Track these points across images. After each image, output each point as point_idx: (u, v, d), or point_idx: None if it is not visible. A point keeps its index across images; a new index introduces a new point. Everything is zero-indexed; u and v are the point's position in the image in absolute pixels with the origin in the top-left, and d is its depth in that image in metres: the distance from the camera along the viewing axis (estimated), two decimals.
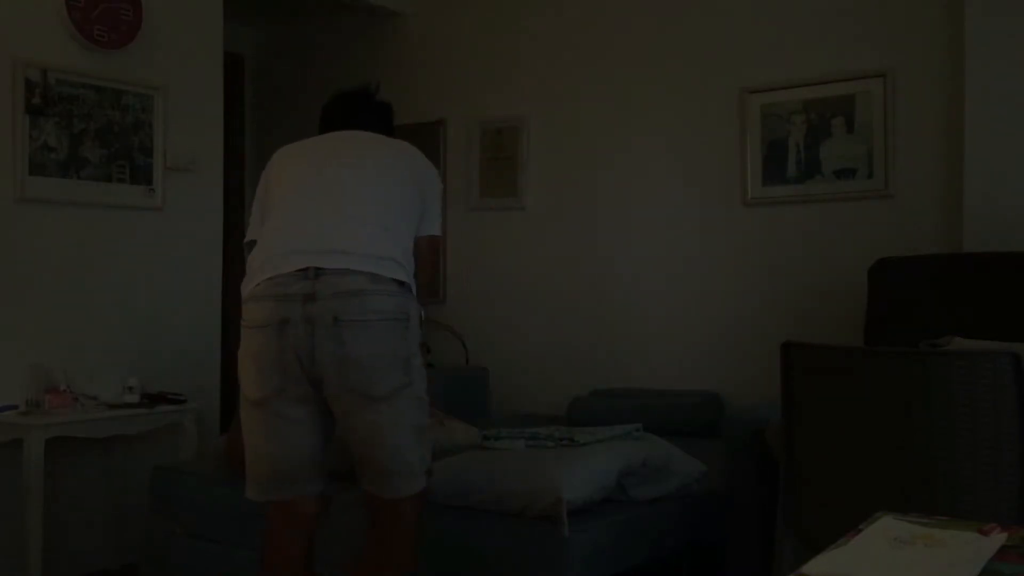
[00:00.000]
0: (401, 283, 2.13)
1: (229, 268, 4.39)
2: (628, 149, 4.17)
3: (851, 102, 3.61)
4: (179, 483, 3.18)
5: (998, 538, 1.14)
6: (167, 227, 3.95)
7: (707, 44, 3.98)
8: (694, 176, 4.00)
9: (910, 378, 1.97)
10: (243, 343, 2.17)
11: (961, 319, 2.96)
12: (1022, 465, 1.88)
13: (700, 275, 3.98)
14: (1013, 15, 3.19)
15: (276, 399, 2.12)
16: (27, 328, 3.48)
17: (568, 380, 4.19)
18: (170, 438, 3.73)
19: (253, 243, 2.29)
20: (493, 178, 4.57)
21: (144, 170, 3.85)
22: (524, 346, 4.40)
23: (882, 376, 2.01)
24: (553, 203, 4.38)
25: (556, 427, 3.01)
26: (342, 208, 2.20)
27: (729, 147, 3.90)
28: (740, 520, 2.80)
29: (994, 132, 3.24)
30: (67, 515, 3.61)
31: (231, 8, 4.31)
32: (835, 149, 3.66)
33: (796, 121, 3.74)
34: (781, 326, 3.60)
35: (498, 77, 4.55)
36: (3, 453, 3.34)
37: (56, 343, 3.55)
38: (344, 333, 2.03)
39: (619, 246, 4.20)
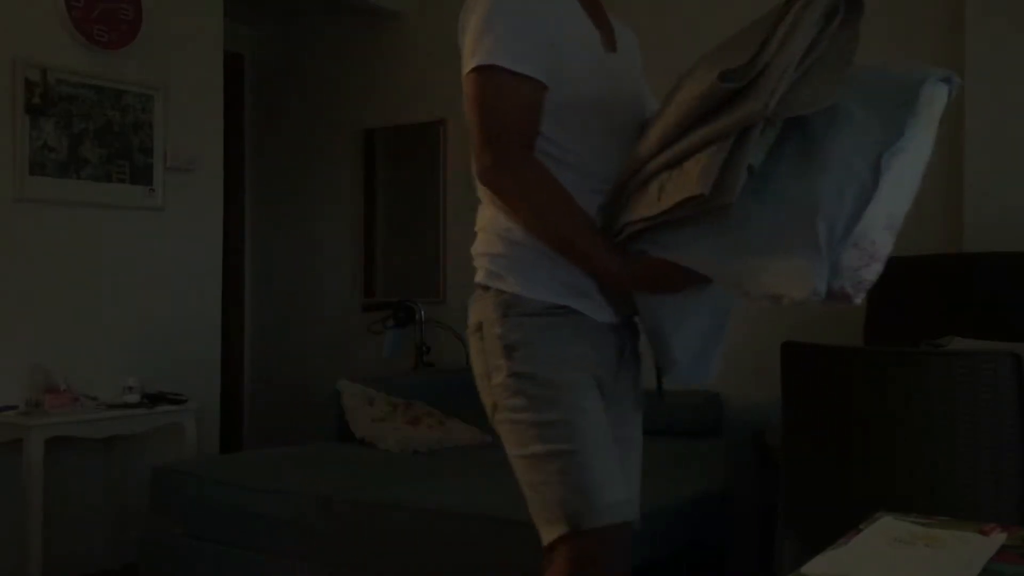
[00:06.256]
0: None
1: (229, 268, 4.39)
2: None
3: None
4: (179, 483, 3.18)
5: (998, 538, 1.14)
6: (167, 227, 3.95)
7: (707, 44, 3.96)
8: None
9: (910, 378, 1.96)
10: None
11: (961, 319, 2.96)
12: (1022, 465, 1.88)
13: None
14: (1013, 16, 3.19)
15: None
16: (27, 328, 3.48)
17: None
18: (170, 438, 3.73)
19: None
20: None
21: (144, 170, 3.85)
22: None
23: (882, 376, 2.01)
24: None
25: None
26: None
27: None
28: (740, 520, 2.80)
29: (994, 132, 3.23)
30: (67, 515, 3.60)
31: (231, 8, 4.31)
32: None
33: None
34: (781, 326, 3.60)
35: None
36: (3, 453, 3.34)
37: (56, 343, 3.55)
38: None
39: None
